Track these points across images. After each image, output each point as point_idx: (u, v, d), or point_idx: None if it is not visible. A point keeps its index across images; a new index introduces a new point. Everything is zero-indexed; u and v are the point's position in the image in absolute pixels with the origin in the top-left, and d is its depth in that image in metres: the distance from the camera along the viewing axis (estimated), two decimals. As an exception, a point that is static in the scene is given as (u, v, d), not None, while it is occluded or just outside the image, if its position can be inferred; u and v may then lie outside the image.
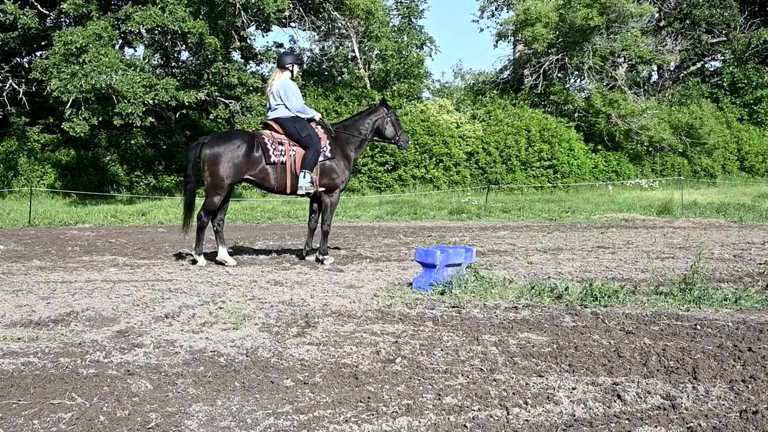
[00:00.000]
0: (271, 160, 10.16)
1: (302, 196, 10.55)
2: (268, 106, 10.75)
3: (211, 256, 10.71)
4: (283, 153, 10.24)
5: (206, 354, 5.09)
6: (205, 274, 9.19)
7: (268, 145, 10.20)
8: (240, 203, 25.43)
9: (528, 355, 5.05)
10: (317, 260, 10.55)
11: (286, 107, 10.46)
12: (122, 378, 4.53)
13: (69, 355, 5.01)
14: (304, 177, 10.22)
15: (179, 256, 11.23)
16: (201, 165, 10.08)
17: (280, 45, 34.28)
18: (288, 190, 10.37)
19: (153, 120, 26.22)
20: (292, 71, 10.75)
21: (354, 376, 4.59)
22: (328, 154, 10.56)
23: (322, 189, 10.55)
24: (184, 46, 28.02)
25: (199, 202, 10.46)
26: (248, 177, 10.20)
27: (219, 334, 5.65)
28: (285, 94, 10.45)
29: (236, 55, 29.18)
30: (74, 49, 23.15)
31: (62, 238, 14.47)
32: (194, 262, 10.27)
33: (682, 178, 30.24)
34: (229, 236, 14.72)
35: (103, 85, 23.13)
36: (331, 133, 10.81)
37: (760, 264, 10.37)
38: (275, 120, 10.50)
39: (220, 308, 6.64)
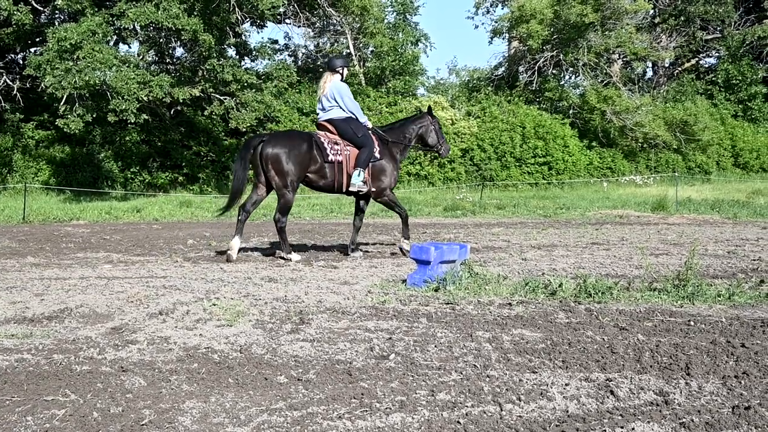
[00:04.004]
0: (329, 158, 10.48)
1: (355, 194, 10.93)
2: (320, 107, 11.02)
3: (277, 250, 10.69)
4: (339, 152, 10.57)
5: (200, 351, 5.08)
6: (199, 270, 9.18)
7: (325, 144, 10.51)
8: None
9: (521, 352, 5.05)
10: (400, 249, 11.10)
11: (341, 108, 10.77)
12: (116, 375, 4.53)
13: (63, 352, 5.00)
14: (359, 175, 10.58)
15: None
16: (263, 164, 10.30)
17: (275, 41, 34.38)
18: (343, 189, 10.73)
19: (147, 116, 26.20)
20: (342, 74, 11.05)
21: (348, 372, 4.59)
22: (378, 156, 10.89)
23: (374, 190, 10.94)
24: (178, 42, 28.01)
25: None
26: (307, 175, 10.49)
27: (213, 331, 5.64)
28: (340, 96, 10.75)
29: (231, 52, 29.16)
30: (68, 46, 23.14)
31: (56, 234, 14.46)
32: (286, 260, 10.36)
33: (676, 174, 30.29)
34: (223, 233, 14.73)
35: (98, 82, 23.13)
36: (380, 137, 11.11)
37: (754, 260, 10.39)
38: (329, 121, 10.82)
39: (214, 305, 6.63)
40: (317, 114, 11.11)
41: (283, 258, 10.50)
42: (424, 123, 11.56)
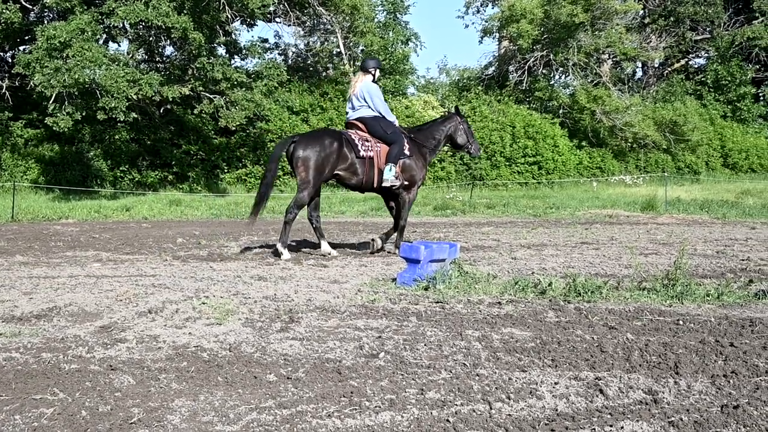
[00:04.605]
0: (360, 154, 10.67)
1: (386, 189, 11.07)
2: (350, 106, 11.28)
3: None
4: (369, 149, 10.77)
5: (189, 349, 5.07)
6: (188, 269, 9.17)
7: (356, 141, 10.72)
8: (225, 199, 25.41)
9: (511, 350, 5.06)
10: (394, 252, 11.08)
11: (369, 108, 10.99)
12: (105, 373, 4.52)
13: (51, 351, 4.99)
14: (390, 170, 10.77)
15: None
16: (294, 163, 10.50)
17: (265, 40, 34.31)
18: (374, 185, 10.94)
19: (137, 115, 26.11)
20: (374, 75, 11.28)
21: (337, 371, 4.58)
22: (407, 153, 11.06)
23: (406, 183, 11.10)
24: (168, 40, 27.91)
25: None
26: (337, 172, 10.68)
27: (202, 330, 5.63)
28: (370, 97, 10.98)
29: (221, 50, 29.08)
30: (57, 44, 23.05)
31: (45, 233, 14.41)
32: (277, 253, 10.47)
33: (666, 174, 30.36)
34: (213, 231, 14.70)
35: (87, 80, 23.06)
36: (409, 135, 11.33)
37: (743, 260, 10.42)
38: (359, 119, 11.03)
39: (204, 303, 6.62)
40: (347, 113, 11.37)
41: (275, 252, 10.58)
42: (452, 123, 11.80)
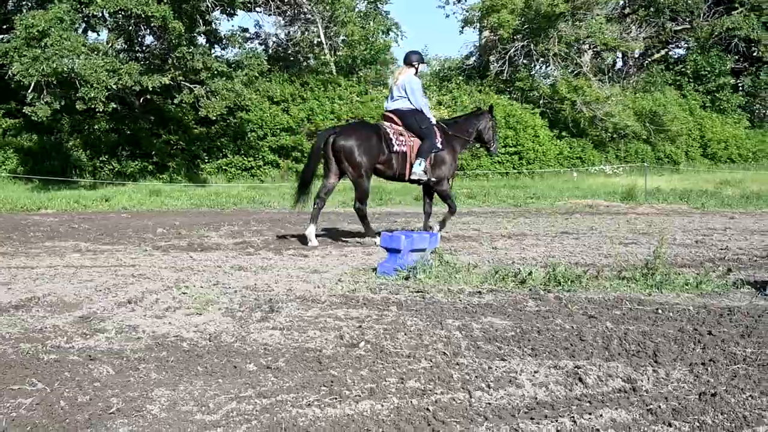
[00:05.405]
0: (394, 149, 11.00)
1: (415, 182, 11.52)
2: (390, 96, 11.57)
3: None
4: (403, 143, 11.07)
5: (169, 339, 5.06)
6: (168, 259, 9.14)
7: (391, 135, 11.01)
8: (205, 189, 25.32)
9: (491, 339, 5.07)
10: (430, 227, 11.63)
11: (408, 100, 11.25)
12: (84, 363, 4.50)
13: (30, 341, 4.96)
14: (420, 165, 11.11)
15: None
16: (336, 156, 10.82)
17: (246, 29, 34.15)
18: (406, 177, 11.30)
19: (116, 105, 25.95)
20: (416, 68, 11.54)
21: (317, 360, 4.59)
22: (440, 146, 11.39)
23: (434, 179, 11.46)
24: (147, 30, 27.74)
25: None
26: (376, 165, 11.01)
27: (182, 319, 5.62)
28: (411, 90, 11.24)
29: (201, 40, 28.90)
30: (36, 33, 22.85)
31: (24, 223, 14.32)
32: (373, 243, 10.68)
33: (645, 164, 30.45)
34: (193, 221, 14.66)
35: (66, 69, 22.86)
36: (443, 130, 11.65)
37: (722, 249, 10.49)
38: (395, 111, 11.31)
39: (184, 293, 6.61)
40: (386, 103, 11.64)
41: (359, 241, 11.13)
42: (484, 120, 12.13)
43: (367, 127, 11.49)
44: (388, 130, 11.05)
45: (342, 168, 10.86)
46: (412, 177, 11.21)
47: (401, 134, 11.09)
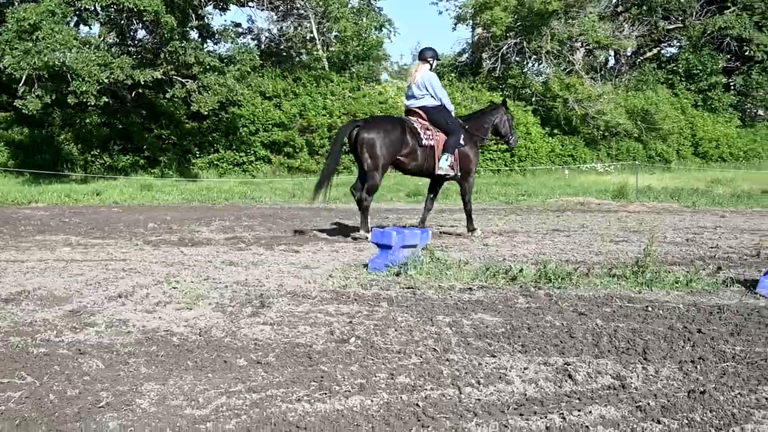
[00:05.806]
0: (423, 143, 11.08)
1: (441, 177, 11.63)
2: (410, 94, 11.62)
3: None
4: (431, 137, 11.17)
5: (159, 333, 5.05)
6: (159, 254, 9.13)
7: (419, 129, 11.11)
8: (196, 184, 25.28)
9: (481, 336, 5.08)
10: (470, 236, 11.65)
11: (432, 97, 11.34)
12: (73, 357, 4.49)
13: (20, 335, 4.95)
14: (446, 160, 11.24)
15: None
16: (359, 148, 10.87)
17: (238, 24, 34.09)
18: (435, 172, 11.39)
19: (108, 99, 25.90)
20: (431, 64, 11.64)
21: (308, 355, 4.58)
22: (462, 143, 11.50)
23: (459, 173, 11.61)
24: (140, 24, 27.67)
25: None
26: (398, 158, 11.05)
27: (172, 314, 5.61)
28: (432, 86, 11.33)
29: (193, 34, 28.84)
30: (27, 26, 22.79)
31: (15, 217, 14.28)
32: (363, 237, 10.72)
33: (637, 162, 30.51)
34: (184, 216, 14.63)
35: (57, 63, 22.80)
36: (463, 125, 11.75)
37: (712, 248, 10.52)
38: (421, 108, 11.38)
39: (174, 288, 6.60)
40: (407, 100, 11.71)
41: (355, 237, 10.93)
42: (499, 114, 12.31)
43: (391, 120, 11.60)
44: (415, 124, 11.14)
45: (362, 159, 10.92)
46: (438, 172, 11.31)
47: (428, 129, 11.19)
